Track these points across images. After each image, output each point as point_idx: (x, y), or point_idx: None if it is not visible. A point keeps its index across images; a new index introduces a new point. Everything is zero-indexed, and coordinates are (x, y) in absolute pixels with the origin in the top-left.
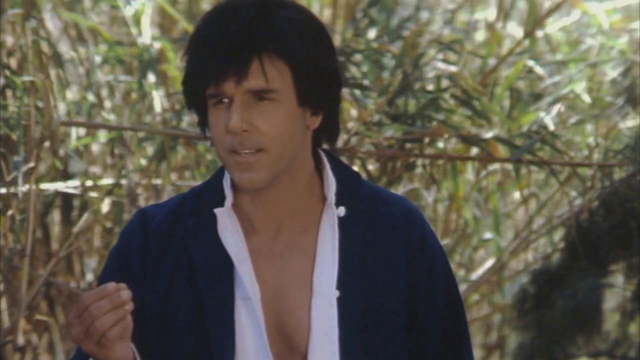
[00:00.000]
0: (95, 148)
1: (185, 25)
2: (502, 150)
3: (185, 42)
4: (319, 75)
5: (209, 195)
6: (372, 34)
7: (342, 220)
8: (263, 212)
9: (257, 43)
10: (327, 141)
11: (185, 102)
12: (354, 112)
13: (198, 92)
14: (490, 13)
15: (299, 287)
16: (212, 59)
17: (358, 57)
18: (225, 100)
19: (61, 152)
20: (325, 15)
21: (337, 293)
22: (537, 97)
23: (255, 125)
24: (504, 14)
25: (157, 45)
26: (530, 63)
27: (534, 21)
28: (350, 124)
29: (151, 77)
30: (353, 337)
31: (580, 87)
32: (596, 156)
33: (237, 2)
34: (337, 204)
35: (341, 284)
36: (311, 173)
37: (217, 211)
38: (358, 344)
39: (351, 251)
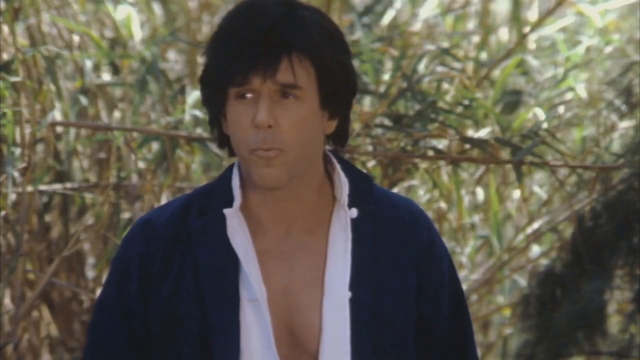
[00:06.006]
0: (94, 149)
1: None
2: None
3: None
4: (342, 78)
5: (216, 195)
6: (368, 36)
7: (353, 222)
8: (274, 212)
9: (287, 40)
10: (337, 145)
11: (203, 97)
12: (354, 114)
13: (222, 86)
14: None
15: (309, 287)
16: (242, 52)
17: (355, 60)
18: (249, 95)
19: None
20: None
21: (348, 294)
22: (530, 94)
23: (279, 122)
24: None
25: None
26: (526, 57)
27: (518, 27)
28: (351, 125)
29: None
30: (364, 338)
31: (579, 86)
32: (595, 155)
33: (262, 1)
34: (349, 206)
35: (353, 285)
36: (322, 174)
37: (227, 212)
38: (369, 345)
39: (362, 252)
